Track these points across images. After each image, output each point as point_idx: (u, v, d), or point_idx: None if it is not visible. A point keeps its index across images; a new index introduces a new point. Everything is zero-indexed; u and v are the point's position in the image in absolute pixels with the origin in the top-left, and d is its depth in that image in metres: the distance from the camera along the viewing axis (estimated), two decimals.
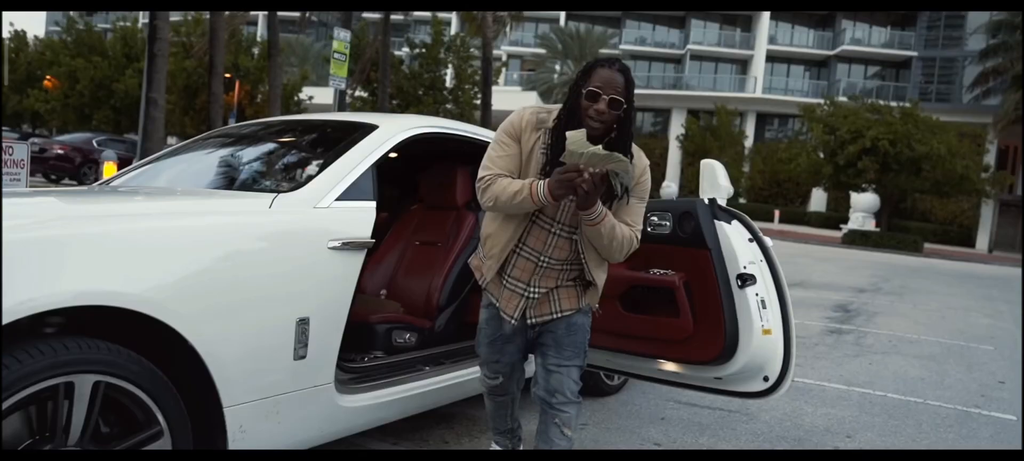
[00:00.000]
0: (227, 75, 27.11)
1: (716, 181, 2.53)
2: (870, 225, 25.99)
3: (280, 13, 18.01)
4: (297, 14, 22.96)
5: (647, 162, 2.25)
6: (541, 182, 2.08)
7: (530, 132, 2.17)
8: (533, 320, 2.27)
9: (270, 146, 3.16)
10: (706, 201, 2.45)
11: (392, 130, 2.82)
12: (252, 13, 28.73)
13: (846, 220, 27.40)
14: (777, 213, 33.29)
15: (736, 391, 2.56)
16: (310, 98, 32.61)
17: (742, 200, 36.13)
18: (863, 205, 26.28)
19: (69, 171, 18.00)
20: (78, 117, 33.20)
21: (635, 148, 2.19)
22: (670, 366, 2.68)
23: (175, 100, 28.20)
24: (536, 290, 2.24)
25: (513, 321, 2.27)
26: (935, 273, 15.61)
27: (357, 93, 29.23)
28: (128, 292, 1.87)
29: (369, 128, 2.80)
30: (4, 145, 5.40)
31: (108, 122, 32.01)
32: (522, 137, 2.18)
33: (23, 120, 39.32)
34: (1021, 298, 8.43)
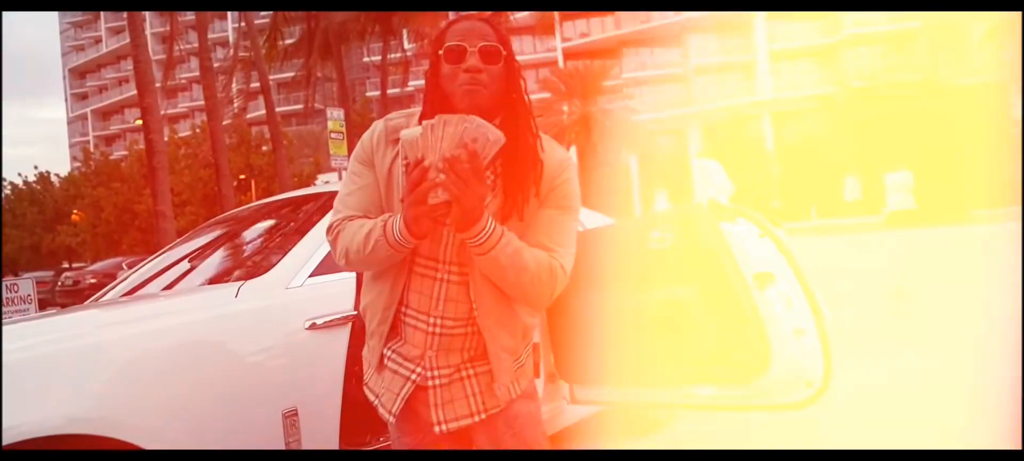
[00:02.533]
0: (242, 176, 27.62)
1: (712, 180, 2.32)
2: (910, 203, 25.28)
3: (282, 108, 18.36)
4: (301, 106, 23.41)
5: (566, 156, 1.55)
6: (398, 215, 1.41)
7: (384, 149, 1.50)
8: (443, 427, 1.52)
9: (242, 232, 3.02)
10: (705, 203, 2.23)
11: None
12: (259, 111, 29.49)
13: (885, 203, 26.70)
14: (813, 208, 32.60)
15: (781, 404, 2.29)
16: (327, 183, 33.07)
17: (775, 203, 35.50)
18: (898, 183, 25.59)
19: None
20: (108, 244, 34.08)
21: (547, 139, 1.54)
22: (705, 390, 2.42)
23: (196, 209, 28.79)
24: (433, 373, 1.51)
25: (391, 417, 1.54)
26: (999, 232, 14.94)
27: None
28: (81, 417, 1.70)
29: None
30: (8, 283, 5.39)
31: (137, 243, 32.78)
32: (375, 158, 1.52)
33: (58, 258, 40.42)
34: (1021, 273, 7.88)
